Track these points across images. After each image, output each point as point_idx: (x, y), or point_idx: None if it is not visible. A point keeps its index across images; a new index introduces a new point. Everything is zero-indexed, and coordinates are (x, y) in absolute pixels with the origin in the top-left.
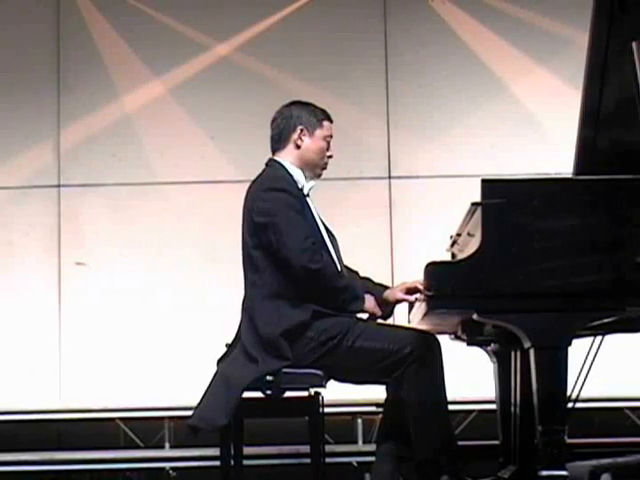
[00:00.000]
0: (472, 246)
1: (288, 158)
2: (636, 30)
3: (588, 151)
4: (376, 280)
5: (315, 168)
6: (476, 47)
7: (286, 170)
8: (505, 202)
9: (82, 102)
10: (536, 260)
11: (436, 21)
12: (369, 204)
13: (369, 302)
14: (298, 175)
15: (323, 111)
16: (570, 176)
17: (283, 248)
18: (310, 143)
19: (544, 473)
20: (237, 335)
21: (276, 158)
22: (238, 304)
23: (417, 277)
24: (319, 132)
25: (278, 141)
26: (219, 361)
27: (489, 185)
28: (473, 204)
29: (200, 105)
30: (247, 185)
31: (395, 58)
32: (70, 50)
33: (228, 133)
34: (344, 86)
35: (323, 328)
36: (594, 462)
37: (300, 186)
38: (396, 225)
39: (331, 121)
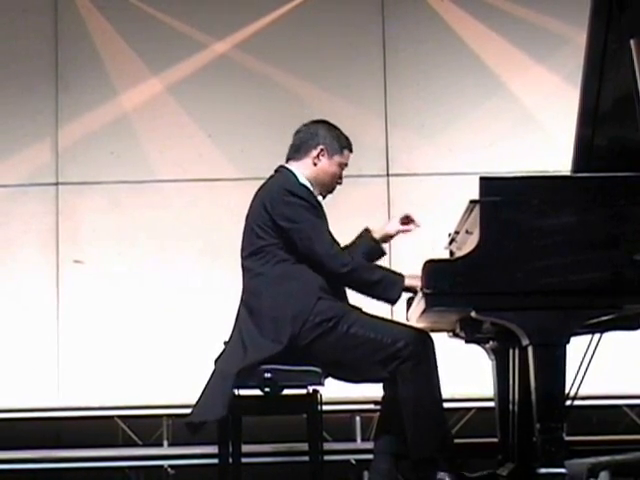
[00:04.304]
0: (470, 244)
1: (301, 170)
2: (634, 27)
3: (586, 148)
4: None
5: (322, 189)
6: (474, 45)
7: (297, 179)
8: (503, 200)
9: (80, 100)
10: (534, 258)
11: (434, 19)
12: (368, 202)
13: (409, 279)
14: (308, 185)
15: (347, 139)
16: (568, 174)
17: (313, 255)
18: (327, 165)
19: (542, 471)
20: (233, 331)
21: (287, 166)
22: (237, 302)
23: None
24: (337, 158)
25: (297, 152)
26: (216, 360)
27: (487, 182)
28: (471, 202)
29: (198, 103)
30: (245, 183)
31: (393, 56)
32: (68, 48)
33: (226, 131)
34: (342, 84)
35: (319, 310)
36: (592, 460)
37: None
38: None
39: (351, 151)
